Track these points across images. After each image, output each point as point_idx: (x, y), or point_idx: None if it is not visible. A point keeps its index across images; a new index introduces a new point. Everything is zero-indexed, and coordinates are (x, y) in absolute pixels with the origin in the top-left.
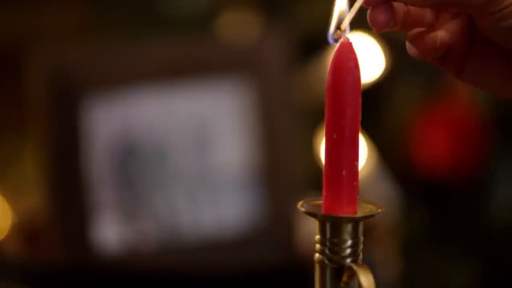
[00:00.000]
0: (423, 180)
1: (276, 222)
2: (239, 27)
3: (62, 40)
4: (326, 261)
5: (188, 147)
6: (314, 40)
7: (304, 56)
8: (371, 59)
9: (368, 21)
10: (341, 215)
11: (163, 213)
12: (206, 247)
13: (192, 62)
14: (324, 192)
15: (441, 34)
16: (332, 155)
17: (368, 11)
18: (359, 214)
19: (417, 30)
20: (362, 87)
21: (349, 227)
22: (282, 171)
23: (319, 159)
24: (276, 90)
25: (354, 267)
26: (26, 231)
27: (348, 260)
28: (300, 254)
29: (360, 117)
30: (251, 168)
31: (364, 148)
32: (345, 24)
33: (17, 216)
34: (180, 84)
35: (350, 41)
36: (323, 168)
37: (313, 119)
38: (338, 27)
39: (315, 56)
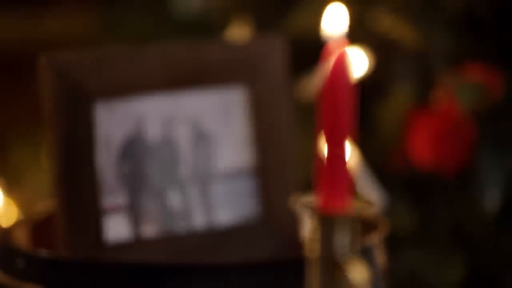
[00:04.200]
0: (407, 177)
1: (273, 220)
2: (242, 31)
3: (74, 45)
4: (321, 258)
5: (193, 149)
6: (311, 45)
7: (302, 59)
8: (358, 63)
9: None
10: (335, 212)
11: (174, 212)
12: (204, 244)
13: (199, 67)
14: (318, 190)
15: None
16: (326, 155)
17: None
18: (353, 211)
19: None
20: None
21: (343, 224)
22: (280, 170)
23: (315, 158)
24: (276, 93)
25: (348, 263)
26: (36, 233)
27: (342, 256)
28: (296, 251)
29: (353, 119)
30: (251, 167)
31: (352, 147)
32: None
33: (26, 216)
34: (187, 88)
35: (344, 50)
36: (318, 167)
37: (311, 119)
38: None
39: (312, 60)
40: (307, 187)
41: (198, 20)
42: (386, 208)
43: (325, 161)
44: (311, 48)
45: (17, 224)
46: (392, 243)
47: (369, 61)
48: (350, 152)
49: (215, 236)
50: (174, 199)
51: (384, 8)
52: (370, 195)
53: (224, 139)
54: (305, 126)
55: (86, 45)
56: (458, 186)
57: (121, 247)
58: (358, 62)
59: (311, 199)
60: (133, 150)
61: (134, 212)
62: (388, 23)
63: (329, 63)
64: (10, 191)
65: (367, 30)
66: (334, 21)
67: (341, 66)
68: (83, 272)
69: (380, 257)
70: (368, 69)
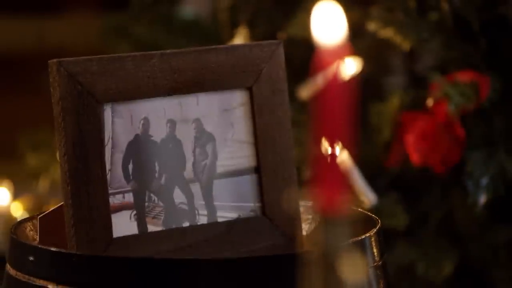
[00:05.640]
0: (401, 174)
1: (273, 217)
2: (243, 37)
3: (84, 50)
4: (318, 254)
5: (196, 148)
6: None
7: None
8: (350, 66)
9: None
10: (331, 210)
11: (178, 209)
12: (207, 239)
13: (202, 71)
14: (315, 188)
15: None
16: (323, 155)
17: None
18: (347, 209)
19: None
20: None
21: (338, 222)
22: (279, 169)
23: (312, 157)
24: (276, 95)
25: (343, 259)
26: (44, 230)
27: (338, 253)
28: (294, 247)
29: (350, 121)
30: (251, 166)
31: (346, 147)
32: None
33: (34, 214)
34: (191, 91)
35: (342, 58)
36: (315, 166)
37: (305, 119)
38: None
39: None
40: (303, 185)
41: (203, 26)
42: (378, 205)
43: (320, 161)
44: (310, 52)
45: (26, 221)
46: (386, 239)
47: (361, 64)
48: (344, 153)
49: (217, 232)
50: (178, 196)
51: (376, 10)
52: (363, 193)
53: (226, 139)
54: (299, 126)
55: (95, 50)
56: (450, 183)
57: (127, 242)
58: (351, 65)
59: (308, 197)
60: (139, 150)
61: (140, 208)
62: (381, 25)
63: (327, 70)
64: (19, 195)
65: (361, 31)
66: (330, 24)
67: (338, 74)
68: (91, 267)
69: (374, 253)
70: (360, 71)
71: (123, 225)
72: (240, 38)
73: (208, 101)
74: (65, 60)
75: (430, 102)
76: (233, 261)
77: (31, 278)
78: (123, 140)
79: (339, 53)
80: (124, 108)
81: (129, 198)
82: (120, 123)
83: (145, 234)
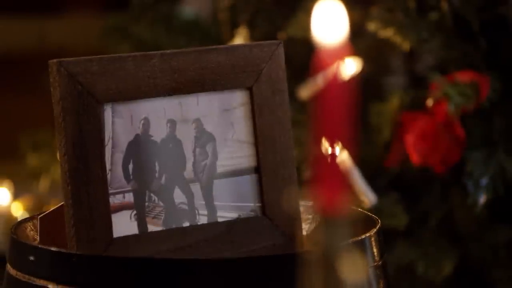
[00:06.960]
0: (401, 174)
1: (273, 217)
2: (243, 37)
3: (84, 50)
4: (318, 254)
5: (197, 148)
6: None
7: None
8: (350, 65)
9: None
10: (331, 210)
11: (179, 209)
12: (207, 239)
13: (203, 71)
14: (315, 188)
15: None
16: (323, 155)
17: None
18: (347, 209)
19: None
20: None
21: (338, 222)
22: (279, 169)
23: (312, 157)
24: (276, 95)
25: (343, 259)
26: (44, 230)
27: (338, 253)
28: (294, 246)
29: (350, 121)
30: (251, 166)
31: (346, 147)
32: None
33: (34, 214)
34: (191, 91)
35: (343, 58)
36: (315, 166)
37: (305, 119)
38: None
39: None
40: (303, 185)
41: (203, 26)
42: (378, 205)
43: (320, 161)
44: (310, 52)
45: (26, 221)
46: (386, 239)
47: (361, 64)
48: (344, 153)
49: (217, 232)
50: (178, 196)
51: (376, 10)
52: (363, 193)
53: (226, 139)
54: (299, 126)
55: (95, 50)
56: (450, 183)
57: (127, 242)
58: (351, 65)
59: (308, 197)
60: (139, 150)
61: (140, 208)
62: (381, 25)
63: (327, 70)
64: (19, 195)
65: (362, 31)
66: (330, 24)
67: (338, 74)
68: (91, 267)
69: (374, 253)
70: (360, 71)
71: (123, 225)
72: (240, 38)
73: (208, 101)
74: (65, 60)
75: (430, 102)
76: (233, 261)
77: (31, 278)
78: (123, 140)
79: (339, 53)
80: (124, 108)
81: (129, 198)
82: (120, 123)
83: (145, 234)
